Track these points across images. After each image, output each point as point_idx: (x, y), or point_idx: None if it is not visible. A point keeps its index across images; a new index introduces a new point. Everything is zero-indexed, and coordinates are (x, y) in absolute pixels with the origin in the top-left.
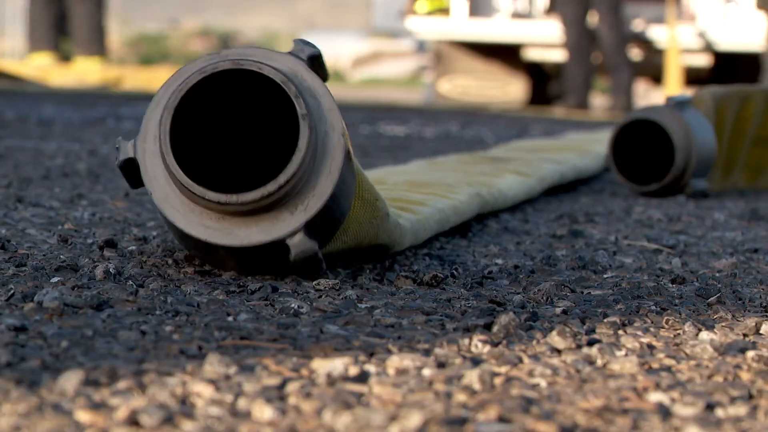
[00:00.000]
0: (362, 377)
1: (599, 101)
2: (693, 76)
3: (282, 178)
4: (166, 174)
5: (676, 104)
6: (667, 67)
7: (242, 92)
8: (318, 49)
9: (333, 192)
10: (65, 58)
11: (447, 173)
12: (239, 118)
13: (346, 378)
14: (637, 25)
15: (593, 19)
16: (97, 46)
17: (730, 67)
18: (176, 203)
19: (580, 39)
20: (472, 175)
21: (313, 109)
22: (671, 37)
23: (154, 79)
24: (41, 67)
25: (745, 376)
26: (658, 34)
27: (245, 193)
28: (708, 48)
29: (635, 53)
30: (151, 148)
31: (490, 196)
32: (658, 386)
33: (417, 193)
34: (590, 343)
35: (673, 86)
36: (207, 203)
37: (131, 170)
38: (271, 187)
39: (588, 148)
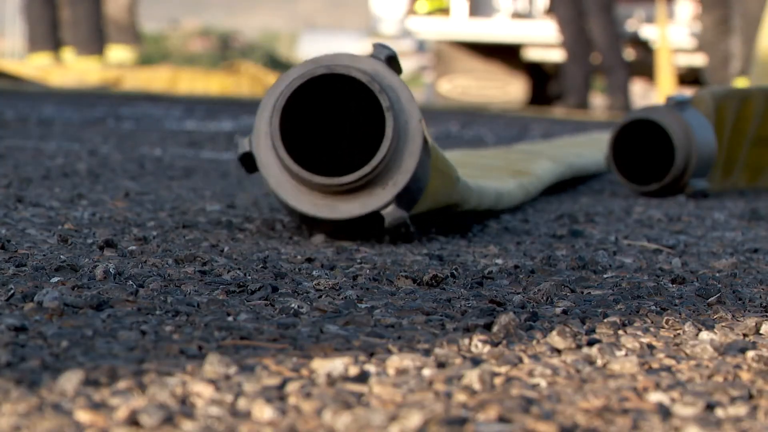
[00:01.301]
0: (362, 377)
1: (599, 101)
2: (691, 77)
3: (374, 161)
4: (278, 163)
5: (676, 104)
6: (659, 67)
7: (336, 91)
8: (393, 50)
9: (416, 168)
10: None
11: (491, 160)
12: (335, 112)
13: (346, 378)
14: (632, 25)
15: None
16: (97, 46)
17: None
18: (288, 187)
19: (577, 39)
20: (512, 162)
21: (395, 101)
22: (662, 37)
23: (154, 79)
24: (41, 67)
25: (745, 376)
26: (651, 33)
27: (345, 175)
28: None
29: (629, 53)
30: (264, 143)
31: (531, 186)
32: (658, 386)
33: (472, 171)
34: (590, 343)
35: (666, 86)
36: (314, 185)
37: (248, 161)
38: (367, 169)
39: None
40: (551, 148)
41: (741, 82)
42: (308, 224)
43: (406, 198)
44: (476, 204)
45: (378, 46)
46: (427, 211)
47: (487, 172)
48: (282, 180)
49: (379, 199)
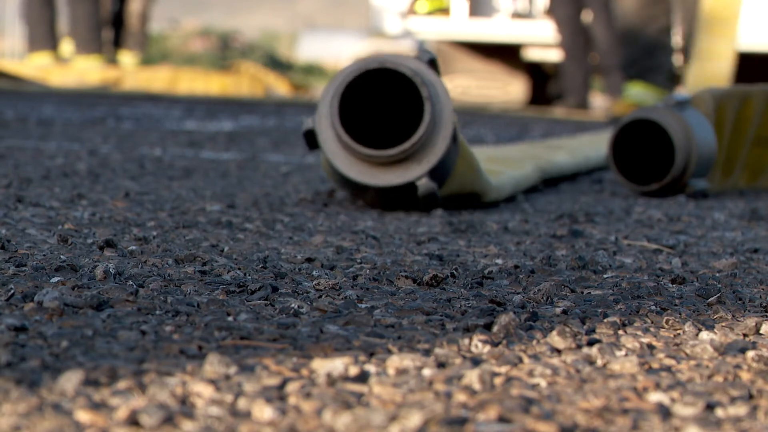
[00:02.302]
0: (362, 377)
1: (599, 101)
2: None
3: (413, 140)
4: (334, 138)
5: (676, 104)
6: None
7: (385, 83)
8: (434, 54)
9: (446, 150)
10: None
11: (515, 152)
12: (383, 100)
13: (346, 378)
14: None
15: (587, 18)
16: (96, 45)
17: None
18: (341, 157)
19: (575, 39)
20: (534, 152)
21: (432, 93)
22: None
23: (154, 79)
24: (41, 67)
25: (745, 376)
26: None
27: (389, 149)
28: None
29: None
30: (324, 122)
31: (548, 165)
32: (658, 386)
33: (495, 165)
34: (590, 343)
35: None
36: (362, 157)
37: (311, 137)
38: (406, 145)
39: None
40: (572, 142)
41: (636, 87)
42: (354, 191)
43: (436, 174)
44: (495, 197)
45: (422, 51)
46: (453, 194)
47: (509, 163)
48: (337, 152)
49: (414, 172)
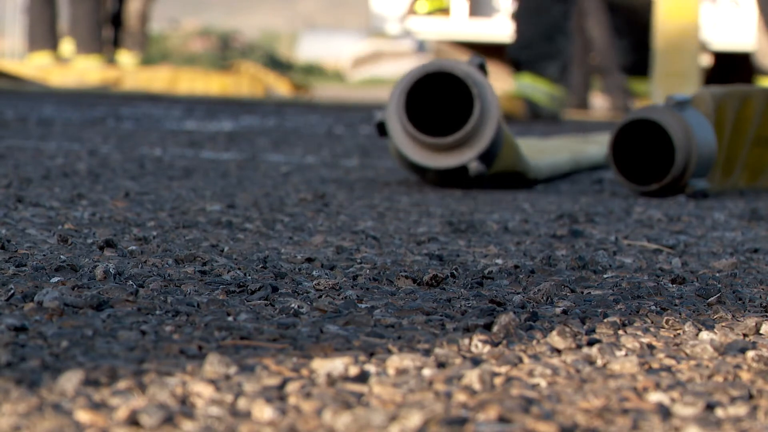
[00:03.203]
0: (362, 377)
1: (599, 101)
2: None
3: (466, 129)
4: (401, 128)
5: (676, 104)
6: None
7: (443, 83)
8: (484, 59)
9: (492, 138)
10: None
11: (553, 143)
12: (441, 98)
13: (346, 378)
14: None
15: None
16: (96, 45)
17: (728, 67)
18: (406, 144)
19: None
20: (569, 147)
21: (481, 92)
22: None
23: (154, 79)
24: (41, 67)
25: (745, 376)
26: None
27: (446, 137)
28: (704, 48)
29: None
30: (393, 115)
31: (582, 156)
32: (658, 386)
33: (535, 152)
34: (590, 343)
35: None
36: (424, 144)
37: (381, 128)
38: (460, 134)
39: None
40: (602, 138)
41: (525, 79)
42: (417, 172)
43: (484, 157)
44: (534, 176)
45: (473, 57)
46: (500, 172)
47: (547, 152)
48: (403, 140)
49: (466, 156)
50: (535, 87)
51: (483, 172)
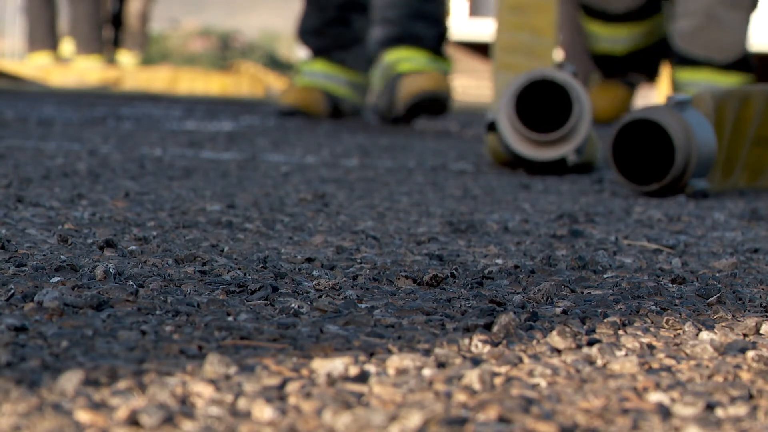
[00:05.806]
0: (362, 377)
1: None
2: None
3: (566, 128)
4: (510, 126)
5: (676, 104)
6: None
7: (545, 88)
8: (575, 68)
9: (586, 134)
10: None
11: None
12: (544, 100)
13: (346, 378)
14: None
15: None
16: (97, 45)
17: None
18: (514, 139)
19: (574, 38)
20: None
21: (578, 96)
22: None
23: (154, 79)
24: (41, 67)
25: (745, 376)
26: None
27: (548, 134)
28: None
29: None
30: (503, 115)
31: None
32: (658, 386)
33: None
34: (590, 343)
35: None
36: (530, 139)
37: (492, 126)
38: (561, 132)
39: None
40: None
41: (317, 65)
42: (521, 162)
43: (580, 151)
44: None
45: (565, 63)
46: (583, 162)
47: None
48: (512, 136)
49: (565, 149)
50: (327, 75)
51: (578, 163)
